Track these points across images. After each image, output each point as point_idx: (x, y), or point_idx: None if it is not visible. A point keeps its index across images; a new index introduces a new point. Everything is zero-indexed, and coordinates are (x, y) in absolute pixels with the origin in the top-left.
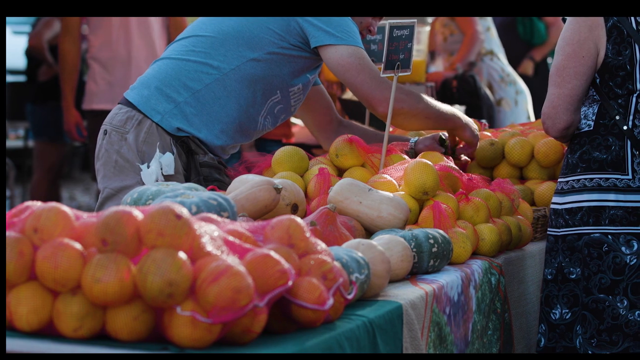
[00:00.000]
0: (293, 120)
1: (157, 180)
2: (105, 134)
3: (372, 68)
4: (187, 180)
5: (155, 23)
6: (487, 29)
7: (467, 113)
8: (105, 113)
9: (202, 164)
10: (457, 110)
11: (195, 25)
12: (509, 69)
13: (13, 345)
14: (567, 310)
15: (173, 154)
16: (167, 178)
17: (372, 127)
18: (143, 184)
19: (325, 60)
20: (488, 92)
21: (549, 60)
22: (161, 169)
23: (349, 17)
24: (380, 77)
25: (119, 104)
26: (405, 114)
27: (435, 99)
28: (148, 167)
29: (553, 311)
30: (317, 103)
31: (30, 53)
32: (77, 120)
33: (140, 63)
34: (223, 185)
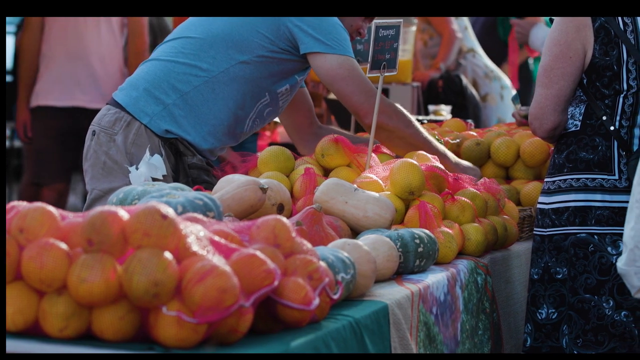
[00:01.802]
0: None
1: None
2: (94, 135)
3: (362, 79)
4: (176, 182)
5: (112, 21)
6: (464, 28)
7: (454, 112)
8: (51, 109)
9: (190, 166)
10: (448, 152)
11: (184, 26)
12: (492, 65)
13: None
14: (553, 310)
15: (162, 156)
16: (156, 180)
17: (357, 128)
18: None
19: (314, 68)
20: (474, 91)
21: (529, 60)
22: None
23: (340, 24)
24: (370, 88)
25: (107, 104)
26: (390, 131)
27: (421, 99)
28: (137, 169)
29: (539, 311)
30: (299, 106)
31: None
32: (25, 119)
33: (92, 60)
34: (211, 187)
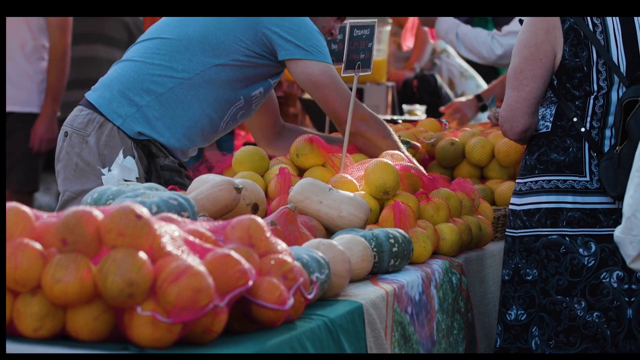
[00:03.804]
0: None
1: None
2: (66, 136)
3: (343, 86)
4: None
5: (32, 23)
6: None
7: (428, 112)
8: None
9: (163, 167)
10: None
11: (158, 26)
12: (466, 65)
13: None
14: (522, 312)
15: (134, 157)
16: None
17: (332, 128)
18: None
19: (293, 74)
20: (449, 91)
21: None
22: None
23: (317, 29)
24: (350, 94)
25: (79, 105)
26: (368, 139)
27: (396, 99)
28: (109, 170)
29: (509, 312)
30: (265, 106)
31: None
32: None
33: (11, 65)
34: (184, 188)
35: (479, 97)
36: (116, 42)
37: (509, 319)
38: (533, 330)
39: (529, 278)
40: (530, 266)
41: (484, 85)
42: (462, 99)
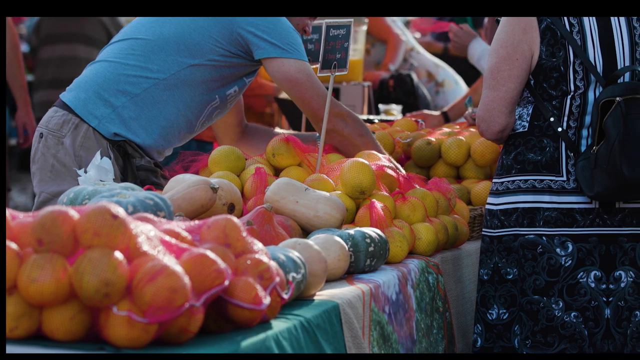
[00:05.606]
0: None
1: None
2: (41, 137)
3: (319, 83)
4: None
5: None
6: (402, 31)
7: (405, 112)
8: None
9: (138, 168)
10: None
11: (132, 27)
12: (437, 60)
13: None
14: (504, 311)
15: (110, 158)
16: None
17: (308, 128)
18: None
19: (270, 73)
20: (425, 91)
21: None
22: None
23: (292, 27)
24: (326, 92)
25: (54, 106)
26: (344, 137)
27: (372, 98)
28: (85, 172)
29: (490, 311)
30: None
31: None
32: None
33: None
34: (160, 188)
35: (445, 115)
36: (96, 42)
37: (490, 318)
38: (515, 328)
39: (510, 277)
40: (511, 265)
41: (456, 77)
42: (431, 112)
